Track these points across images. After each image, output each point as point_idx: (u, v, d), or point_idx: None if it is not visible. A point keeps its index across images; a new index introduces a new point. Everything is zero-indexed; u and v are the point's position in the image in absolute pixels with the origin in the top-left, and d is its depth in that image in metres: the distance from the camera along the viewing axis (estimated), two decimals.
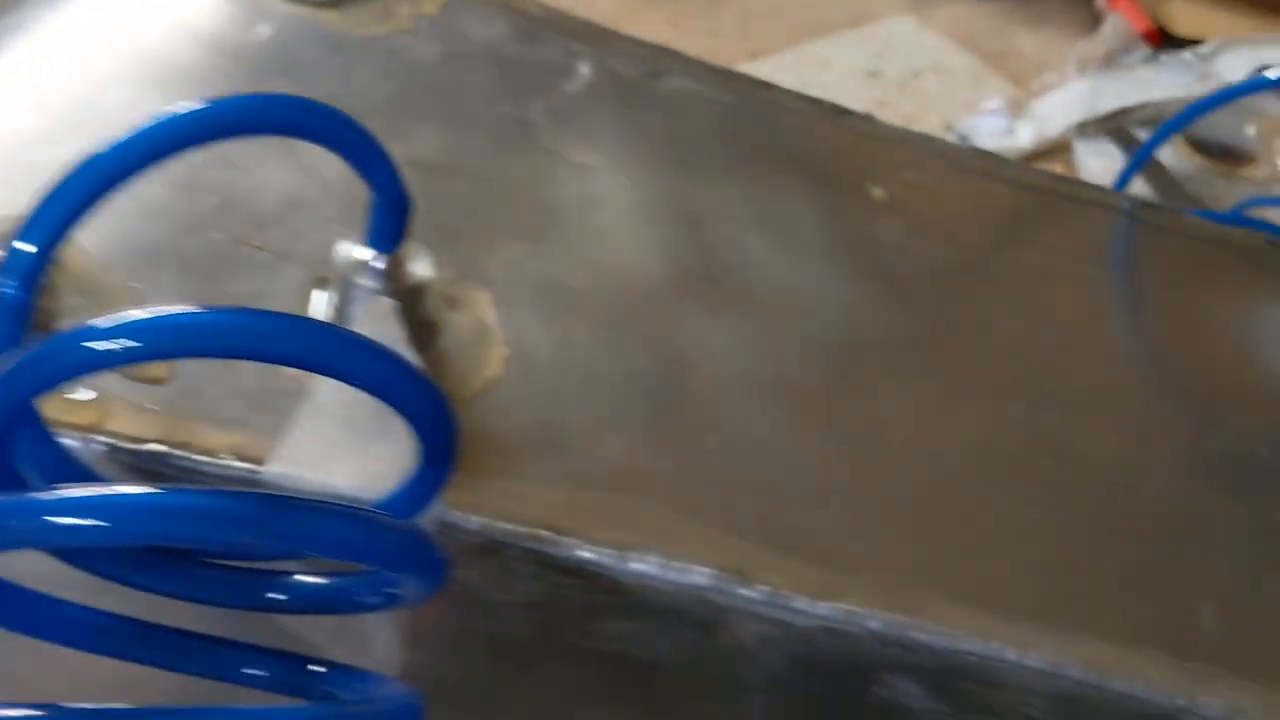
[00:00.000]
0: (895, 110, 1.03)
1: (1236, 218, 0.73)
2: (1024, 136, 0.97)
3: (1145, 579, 0.36)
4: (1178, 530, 0.37)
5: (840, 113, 0.49)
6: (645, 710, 0.36)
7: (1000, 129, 0.99)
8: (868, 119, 0.49)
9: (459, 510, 0.33)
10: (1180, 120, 0.53)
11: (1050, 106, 0.97)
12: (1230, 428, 0.41)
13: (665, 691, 0.36)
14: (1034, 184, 0.50)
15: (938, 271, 0.44)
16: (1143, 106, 0.95)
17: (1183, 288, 0.47)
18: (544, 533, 0.33)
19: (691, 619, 0.34)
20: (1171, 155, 0.91)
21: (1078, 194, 0.50)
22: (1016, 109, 0.98)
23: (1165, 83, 0.97)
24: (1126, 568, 0.36)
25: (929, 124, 1.05)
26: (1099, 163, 0.93)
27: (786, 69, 1.05)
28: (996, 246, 0.46)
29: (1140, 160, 0.54)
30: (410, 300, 0.36)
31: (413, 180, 0.43)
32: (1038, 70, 1.04)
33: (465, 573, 0.35)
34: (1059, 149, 0.98)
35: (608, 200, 0.43)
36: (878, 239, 0.44)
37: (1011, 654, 0.33)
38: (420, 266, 0.35)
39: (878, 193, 0.46)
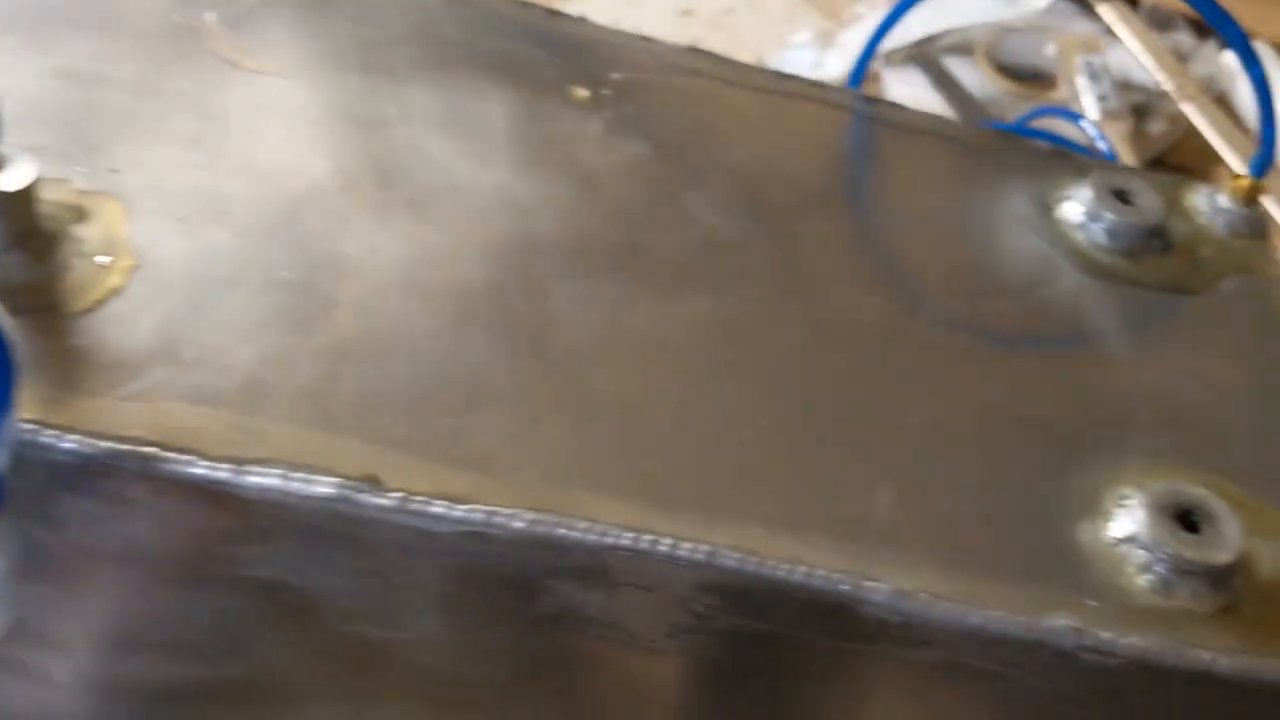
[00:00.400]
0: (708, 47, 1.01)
1: (1021, 129, 0.73)
2: (832, 68, 0.96)
3: (821, 467, 0.34)
4: (859, 419, 0.35)
5: (552, 14, 0.46)
6: (307, 637, 0.34)
7: (809, 62, 0.98)
8: (580, 21, 0.46)
9: (53, 430, 0.30)
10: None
11: (857, 37, 0.96)
12: (928, 315, 0.39)
13: (324, 618, 0.33)
14: (764, 86, 0.48)
15: (637, 170, 0.41)
16: (948, 33, 0.95)
17: (900, 180, 0.45)
18: (148, 450, 0.30)
19: (333, 537, 0.31)
20: (977, 79, 0.90)
21: (806, 93, 0.48)
22: (826, 41, 0.97)
23: (970, 9, 0.96)
24: (803, 457, 0.34)
25: (740, 56, 1.03)
26: (907, 90, 0.92)
27: (598, 7, 1.03)
28: (706, 147, 0.44)
29: (869, 53, 0.52)
30: (10, 209, 0.32)
31: (57, 91, 0.40)
32: (851, 2, 1.03)
33: (86, 504, 0.32)
34: (869, 79, 0.97)
35: (279, 106, 0.40)
36: (576, 139, 0.42)
37: (664, 546, 0.31)
38: (16, 176, 0.32)
39: (581, 93, 0.44)
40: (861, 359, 0.38)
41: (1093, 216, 0.44)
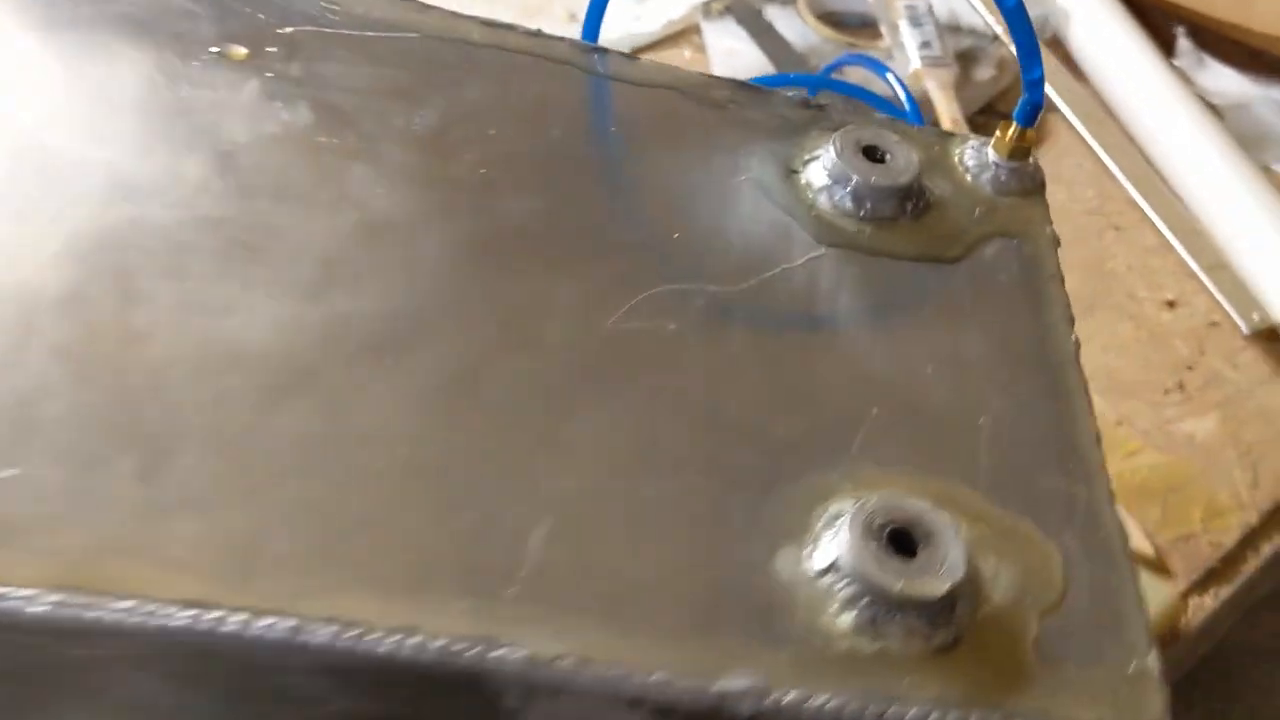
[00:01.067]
0: (517, 3, 0.94)
1: (825, 81, 0.67)
2: (650, 22, 0.90)
3: (469, 505, 0.28)
4: (527, 439, 0.30)
5: None
6: None
7: (627, 16, 0.91)
8: None
9: None
10: None
11: None
12: (630, 303, 0.34)
13: None
14: (472, 38, 0.41)
15: (293, 142, 0.35)
16: None
17: (623, 142, 0.39)
18: None
19: None
20: (799, 29, 0.85)
21: (523, 45, 0.41)
22: None
23: None
24: (448, 494, 0.28)
25: (553, 14, 0.96)
26: (726, 42, 0.86)
27: None
28: (387, 111, 0.37)
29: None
30: None
31: None
32: None
33: None
34: (688, 32, 0.91)
35: None
36: (222, 106, 0.35)
37: (232, 624, 0.24)
38: None
39: (240, 51, 0.37)
40: (543, 363, 0.32)
41: (837, 179, 0.38)
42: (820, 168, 0.38)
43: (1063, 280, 0.38)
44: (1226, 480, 0.62)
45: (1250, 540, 0.61)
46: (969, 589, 0.28)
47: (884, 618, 0.27)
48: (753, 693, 0.26)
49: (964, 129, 0.78)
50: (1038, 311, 0.36)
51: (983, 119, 0.84)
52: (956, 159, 0.41)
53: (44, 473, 0.26)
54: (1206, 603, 0.58)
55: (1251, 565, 0.60)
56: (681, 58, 0.89)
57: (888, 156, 0.38)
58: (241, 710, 0.26)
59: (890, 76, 0.61)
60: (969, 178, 0.40)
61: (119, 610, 0.24)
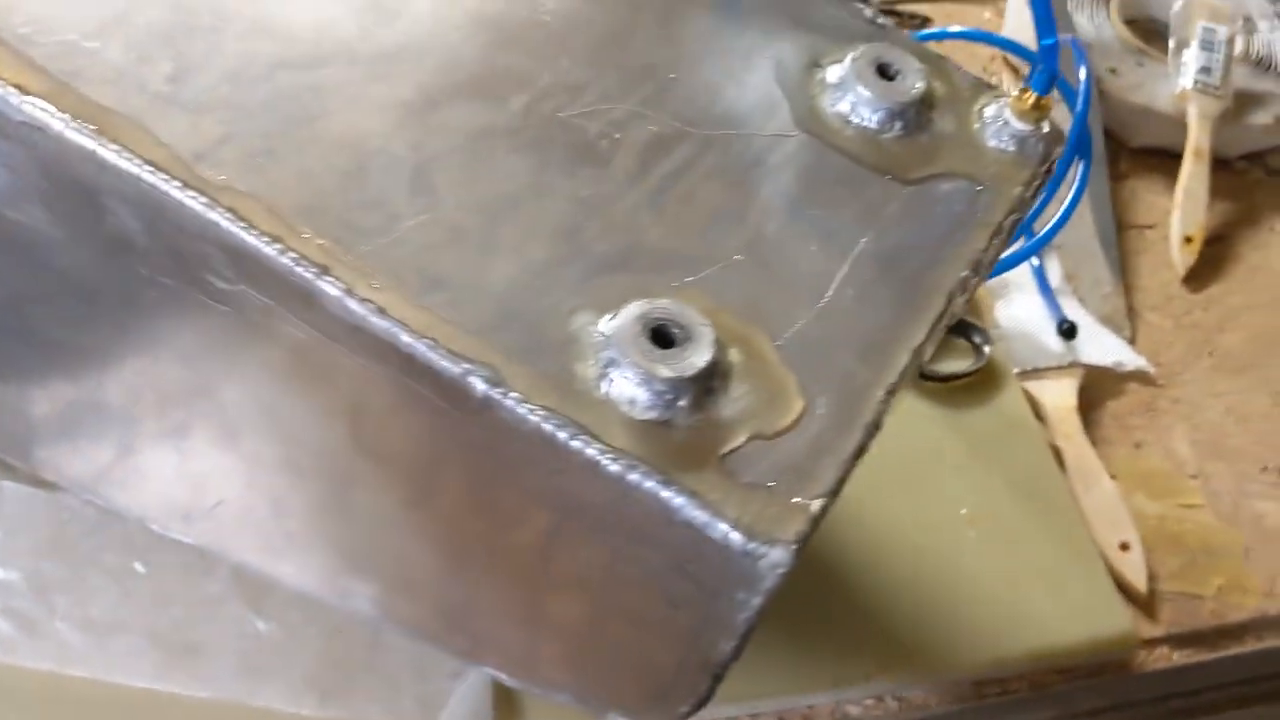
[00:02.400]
0: None
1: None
2: None
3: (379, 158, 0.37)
4: (452, 145, 0.38)
5: None
6: None
7: None
8: None
9: None
10: None
11: None
12: (604, 106, 0.40)
13: None
14: None
15: None
16: None
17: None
18: None
19: None
20: (1097, 21, 0.84)
21: None
22: None
23: None
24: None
25: None
26: (1026, 14, 0.87)
27: None
28: None
29: None
30: None
31: None
32: None
33: None
34: None
35: None
36: None
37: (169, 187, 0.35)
38: None
39: None
40: (493, 115, 0.39)
41: (844, 82, 0.43)
42: (837, 69, 0.43)
43: (999, 236, 0.41)
44: (1269, 569, 0.61)
45: (1256, 627, 0.59)
46: (695, 390, 0.34)
47: (620, 378, 0.34)
48: (488, 378, 0.33)
49: (1205, 161, 0.76)
50: (946, 246, 0.40)
51: (1245, 165, 0.81)
52: (978, 107, 0.44)
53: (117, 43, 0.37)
54: (1174, 657, 0.58)
55: (1247, 647, 0.58)
56: (982, 16, 0.91)
57: (897, 77, 0.43)
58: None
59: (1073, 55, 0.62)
60: (976, 125, 0.44)
61: (110, 150, 0.35)
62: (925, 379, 0.65)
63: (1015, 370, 0.67)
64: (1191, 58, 0.79)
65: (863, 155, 0.42)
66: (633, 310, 0.35)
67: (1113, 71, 0.82)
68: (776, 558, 0.33)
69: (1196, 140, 0.76)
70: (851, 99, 0.43)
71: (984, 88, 0.45)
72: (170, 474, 0.49)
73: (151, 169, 0.35)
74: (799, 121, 0.43)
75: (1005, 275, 0.72)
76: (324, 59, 0.39)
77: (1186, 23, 0.80)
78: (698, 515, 0.33)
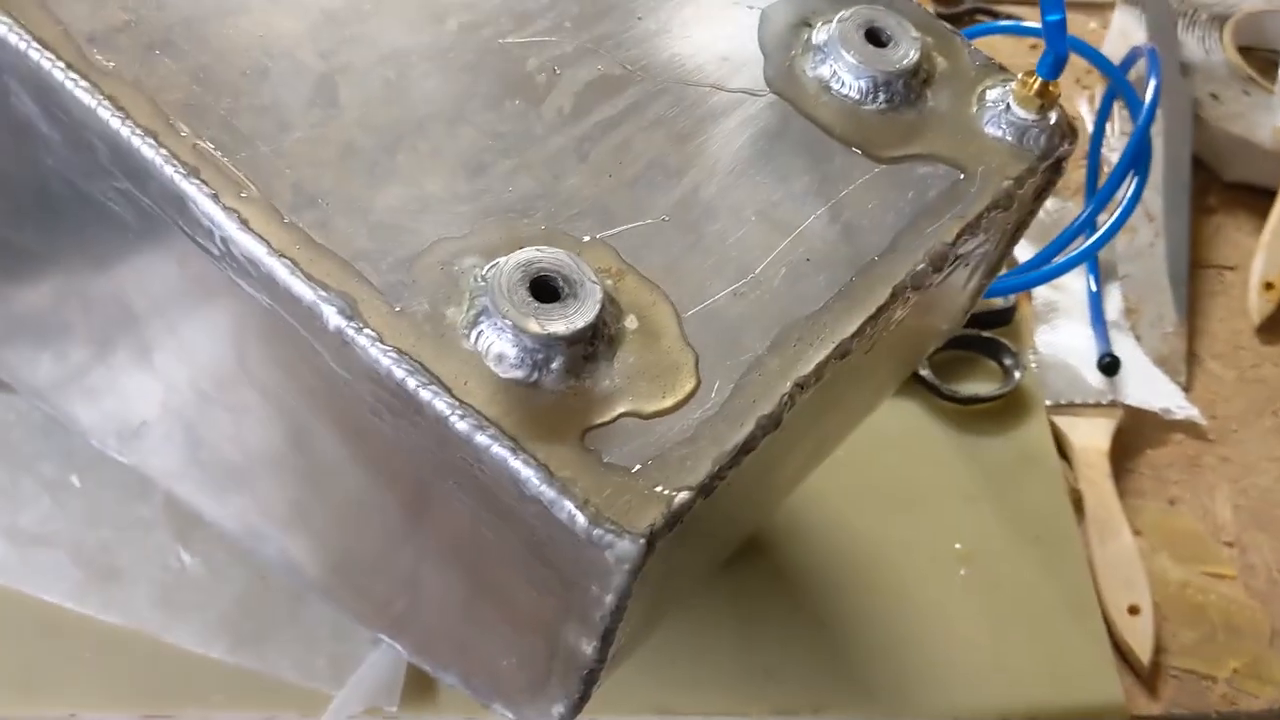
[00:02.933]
0: None
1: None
2: None
3: None
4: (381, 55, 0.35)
5: None
6: None
7: None
8: None
9: None
10: None
11: None
12: (552, 38, 0.37)
13: None
14: None
15: None
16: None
17: None
18: None
19: None
20: (1208, 44, 0.77)
21: None
22: None
23: None
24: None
25: None
26: (1130, 28, 0.80)
27: None
28: None
29: None
30: None
31: None
32: None
33: None
34: (1105, 7, 0.85)
35: None
36: None
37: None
38: None
39: None
40: (431, 35, 0.36)
41: (830, 44, 0.38)
42: (826, 29, 0.39)
43: (972, 228, 0.36)
44: None
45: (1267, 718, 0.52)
46: (570, 353, 0.30)
47: (490, 329, 0.30)
48: (342, 310, 0.30)
49: None
50: (907, 234, 0.35)
51: None
52: (981, 88, 0.39)
53: None
54: None
55: None
56: (1086, 26, 0.84)
57: (889, 44, 0.38)
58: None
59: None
60: (974, 108, 0.39)
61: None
62: (945, 398, 0.59)
63: (1048, 402, 0.61)
64: None
65: (835, 125, 0.38)
66: (518, 257, 0.31)
67: (1214, 97, 0.74)
68: (622, 550, 0.29)
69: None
70: (834, 63, 0.38)
71: (994, 69, 0.40)
72: (103, 388, 0.47)
73: (39, 47, 0.33)
74: (771, 81, 0.38)
75: (1055, 300, 0.66)
76: None
77: None
78: (544, 491, 0.29)
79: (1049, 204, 0.72)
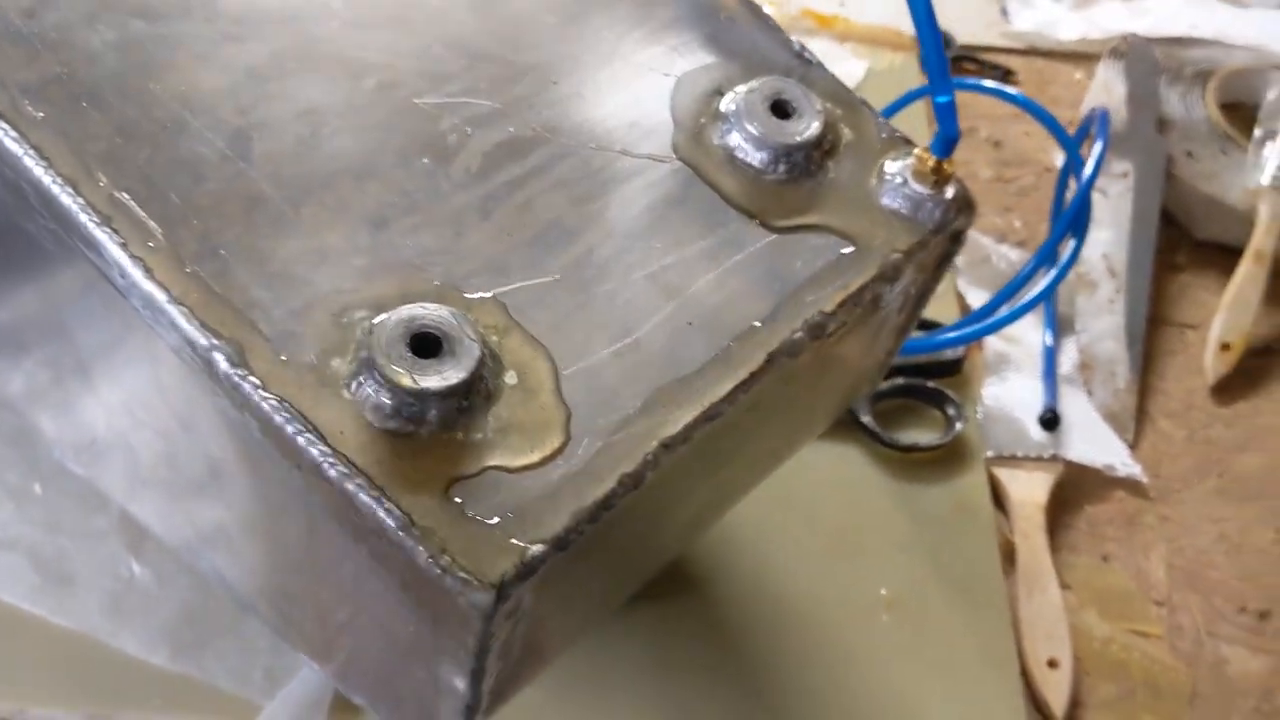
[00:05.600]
0: None
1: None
2: (1069, 30, 0.86)
3: None
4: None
5: None
6: None
7: (1058, 8, 0.88)
8: None
9: None
10: None
11: None
12: (467, 100, 0.38)
13: None
14: None
15: None
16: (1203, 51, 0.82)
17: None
18: None
19: None
20: (1189, 100, 0.78)
21: None
22: None
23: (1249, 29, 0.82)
24: None
25: None
26: (1114, 82, 0.81)
27: None
28: None
29: None
30: None
31: None
32: None
33: None
34: (1090, 59, 0.85)
35: None
36: None
37: None
38: None
39: None
40: (347, 93, 0.38)
41: (737, 114, 0.40)
42: (735, 99, 0.40)
43: (856, 300, 0.38)
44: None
45: None
46: (444, 407, 0.32)
47: (369, 381, 0.32)
48: (230, 356, 0.32)
49: (1265, 265, 0.69)
50: (789, 304, 0.37)
51: None
52: (882, 160, 0.40)
53: None
54: None
55: None
56: (1072, 76, 0.85)
57: (793, 115, 0.40)
58: None
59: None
60: (873, 180, 0.40)
61: None
62: (885, 445, 0.61)
63: (990, 453, 0.62)
64: (1275, 153, 0.72)
65: (735, 193, 0.39)
66: (402, 313, 0.33)
67: (1190, 155, 0.75)
68: (476, 599, 0.31)
69: (1260, 242, 0.69)
70: (739, 133, 0.40)
71: (899, 142, 0.41)
72: (60, 405, 0.50)
73: None
74: (678, 148, 0.40)
75: (1007, 352, 0.68)
76: (187, 11, 0.38)
77: (1276, 115, 0.73)
78: (404, 539, 0.31)
79: (1012, 256, 0.74)
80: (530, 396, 0.34)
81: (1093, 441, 0.64)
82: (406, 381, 0.32)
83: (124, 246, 0.34)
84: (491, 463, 0.32)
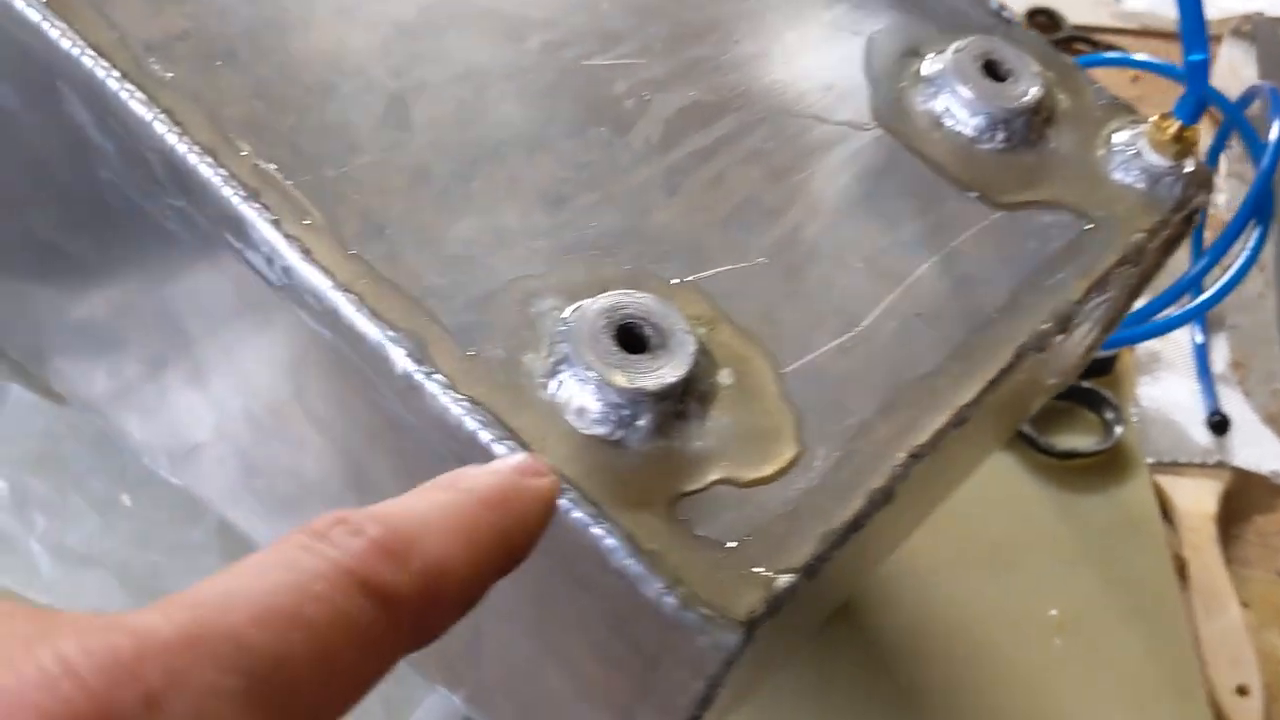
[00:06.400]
0: None
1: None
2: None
3: None
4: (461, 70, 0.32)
5: None
6: None
7: None
8: None
9: None
10: None
11: None
12: (638, 61, 0.34)
13: None
14: None
15: None
16: None
17: None
18: None
19: None
20: None
21: None
22: None
23: None
24: None
25: None
26: (1239, 62, 0.76)
27: None
28: None
29: None
30: None
31: None
32: None
33: None
34: (1216, 39, 0.80)
35: None
36: None
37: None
38: None
39: None
40: (514, 52, 0.33)
41: (942, 76, 0.35)
42: (938, 60, 0.36)
43: (1100, 285, 0.33)
44: None
45: None
46: (659, 410, 0.27)
47: (571, 380, 0.27)
48: (411, 352, 0.28)
49: None
50: (1030, 290, 0.32)
51: None
52: (1108, 131, 0.36)
53: None
54: None
55: None
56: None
57: (1009, 79, 0.35)
58: None
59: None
60: (1101, 151, 0.35)
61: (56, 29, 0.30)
62: (1041, 452, 0.56)
63: (1149, 460, 0.57)
64: None
65: (949, 165, 0.34)
66: (603, 301, 0.28)
67: None
68: (721, 639, 0.26)
69: None
70: (947, 97, 0.35)
71: (1121, 109, 0.37)
72: (156, 406, 0.45)
73: (93, 54, 0.31)
74: (878, 114, 0.35)
75: (1157, 349, 0.62)
76: None
77: None
78: (630, 565, 0.26)
79: None
80: (751, 398, 0.29)
81: (1257, 445, 0.59)
82: (620, 380, 0.27)
83: (276, 224, 0.29)
84: (717, 476, 0.27)
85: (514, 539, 0.23)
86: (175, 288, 0.37)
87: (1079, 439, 0.56)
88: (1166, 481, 0.56)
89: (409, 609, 0.21)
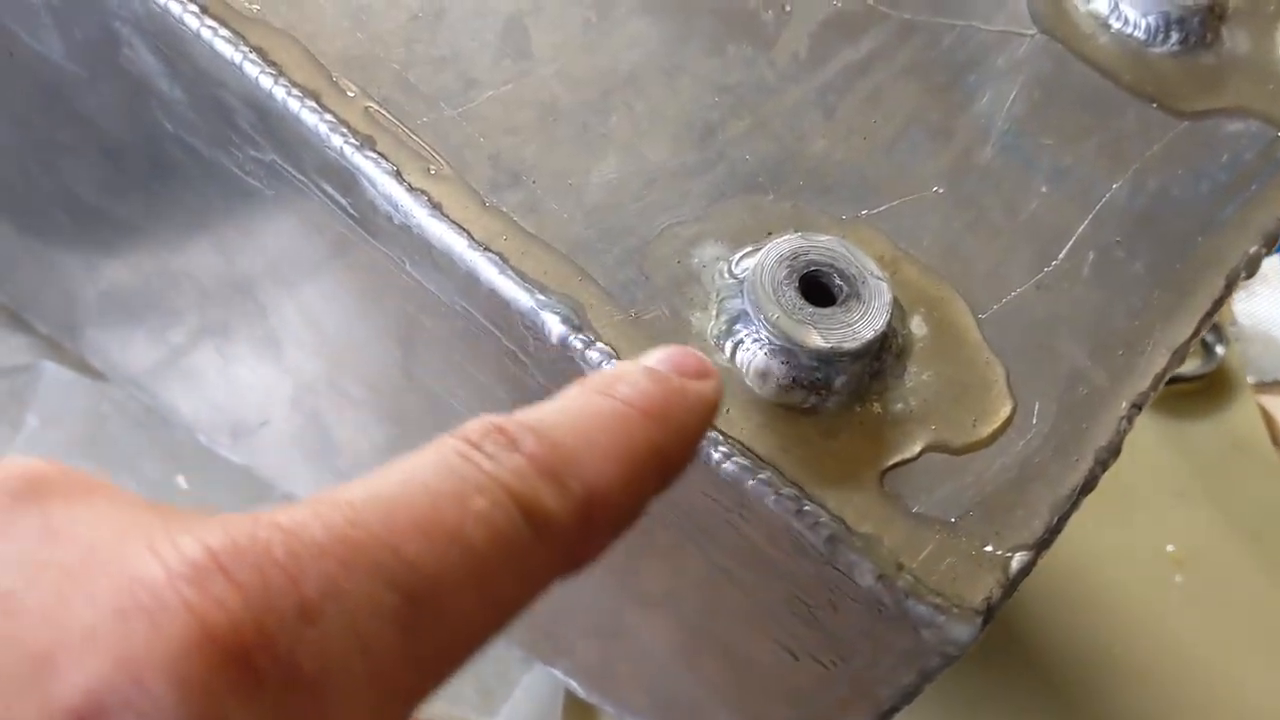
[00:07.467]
0: None
1: None
2: None
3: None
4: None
5: None
6: None
7: None
8: None
9: None
10: None
11: None
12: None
13: None
14: None
15: None
16: None
17: None
18: None
19: None
20: None
21: None
22: None
23: None
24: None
25: None
26: None
27: None
28: None
29: None
30: None
31: None
32: None
33: None
34: None
35: None
36: None
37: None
38: None
39: None
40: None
41: None
42: None
43: None
44: None
45: None
46: (856, 370, 0.24)
47: (751, 342, 0.24)
48: (567, 318, 0.24)
49: None
50: (1227, 207, 0.28)
51: None
52: None
53: None
54: None
55: None
56: None
57: None
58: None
59: None
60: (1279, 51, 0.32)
61: None
62: None
63: (1251, 380, 0.55)
64: None
65: (1121, 71, 0.31)
66: (780, 247, 0.25)
67: None
68: (952, 631, 0.23)
69: None
70: None
71: None
72: (216, 380, 0.41)
73: None
74: (1038, 17, 0.31)
75: None
76: None
77: None
78: (839, 552, 0.23)
79: None
80: (950, 349, 0.25)
81: None
82: (814, 340, 0.24)
83: (397, 176, 0.25)
84: (927, 442, 0.24)
85: (672, 456, 0.20)
86: (248, 251, 0.33)
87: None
88: (1269, 401, 0.54)
89: (565, 537, 0.18)
